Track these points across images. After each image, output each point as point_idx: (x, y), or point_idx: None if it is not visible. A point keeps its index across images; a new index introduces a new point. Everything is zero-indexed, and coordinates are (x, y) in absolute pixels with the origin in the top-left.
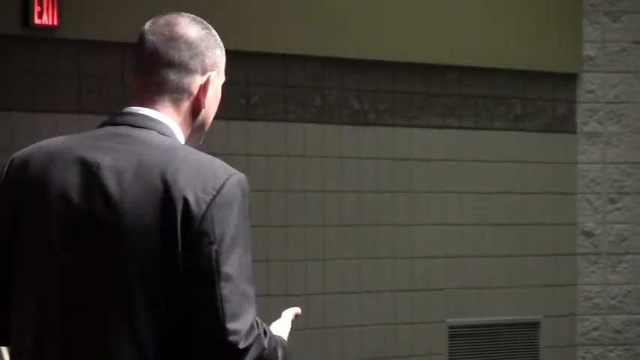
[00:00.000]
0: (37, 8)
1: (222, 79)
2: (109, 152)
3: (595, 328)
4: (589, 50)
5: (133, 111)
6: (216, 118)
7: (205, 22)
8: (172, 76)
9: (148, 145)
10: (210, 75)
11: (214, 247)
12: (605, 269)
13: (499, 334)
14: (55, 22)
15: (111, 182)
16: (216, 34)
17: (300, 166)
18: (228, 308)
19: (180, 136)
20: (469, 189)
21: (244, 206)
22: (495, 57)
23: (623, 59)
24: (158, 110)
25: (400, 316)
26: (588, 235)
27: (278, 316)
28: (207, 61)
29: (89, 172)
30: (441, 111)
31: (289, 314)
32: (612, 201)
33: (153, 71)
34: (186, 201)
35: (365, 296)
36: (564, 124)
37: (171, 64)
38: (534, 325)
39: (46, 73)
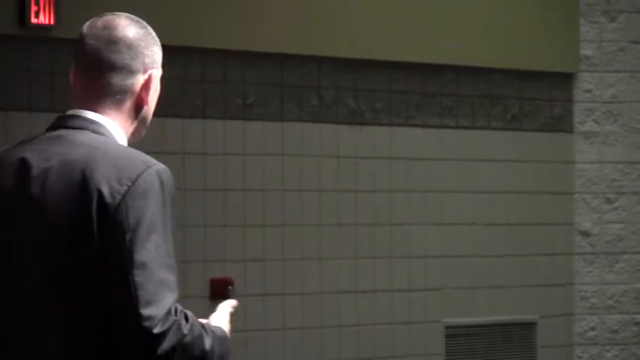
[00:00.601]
0: (33, 8)
1: (160, 73)
2: (40, 153)
3: (592, 328)
4: (586, 50)
5: (73, 113)
6: (212, 117)
7: (142, 21)
8: (115, 79)
9: (76, 144)
10: (152, 73)
11: (128, 236)
12: (601, 269)
13: (496, 333)
14: (52, 22)
15: (37, 181)
16: (152, 31)
17: (296, 165)
18: (143, 295)
19: (119, 134)
20: (466, 188)
21: (163, 196)
22: (492, 56)
23: (620, 59)
24: (99, 112)
25: (397, 316)
26: (585, 234)
27: (274, 315)
28: (147, 60)
29: (22, 172)
30: (437, 110)
31: (226, 306)
32: (609, 201)
33: (95, 76)
34: (100, 192)
35: (362, 296)
36: (561, 123)
37: (114, 68)
38: (531, 325)
39: (43, 72)
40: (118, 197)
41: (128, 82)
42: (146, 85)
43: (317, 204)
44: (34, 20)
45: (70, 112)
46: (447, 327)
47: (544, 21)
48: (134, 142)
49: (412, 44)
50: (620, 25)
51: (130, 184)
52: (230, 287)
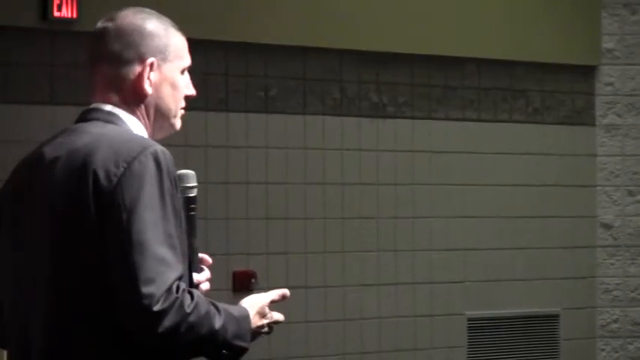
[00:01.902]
0: (56, 1)
1: (177, 64)
2: (55, 145)
3: (614, 321)
4: (607, 43)
5: (90, 107)
6: (234, 111)
7: (151, 12)
8: (108, 69)
9: (84, 132)
10: (152, 62)
11: (125, 216)
12: (624, 261)
13: (518, 326)
14: (75, 15)
15: (46, 171)
16: (160, 21)
17: (318, 159)
18: (142, 273)
19: (130, 120)
20: (488, 181)
21: (160, 177)
22: (514, 49)
23: None
24: (105, 101)
25: (419, 309)
26: (607, 227)
27: (297, 308)
28: (144, 49)
29: (38, 165)
30: (459, 104)
31: (275, 292)
32: (631, 193)
33: (94, 68)
34: (97, 175)
35: (384, 288)
36: (583, 116)
37: (105, 58)
38: (554, 318)
39: (65, 66)
40: (115, 179)
41: (122, 71)
42: (142, 74)
43: (339, 197)
44: (56, 14)
45: (91, 105)
46: (469, 320)
47: (566, 14)
48: (169, 136)
49: (434, 37)
50: None
51: (125, 165)
52: (253, 280)
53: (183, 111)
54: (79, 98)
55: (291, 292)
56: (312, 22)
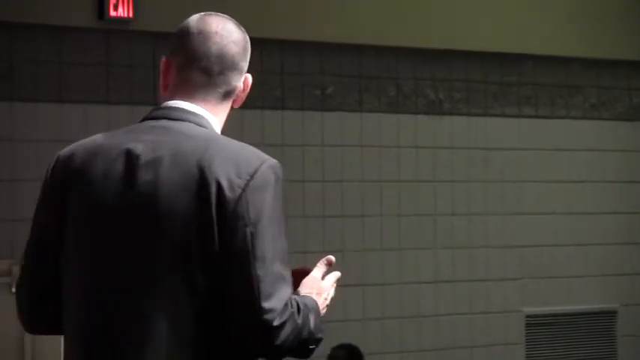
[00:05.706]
0: (112, 1)
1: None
2: (149, 143)
3: None
4: None
5: (171, 105)
6: (291, 109)
7: (235, 21)
8: (202, 75)
9: (185, 135)
10: (248, 79)
11: (249, 230)
12: None
13: (576, 323)
14: (131, 15)
15: (148, 171)
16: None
17: (375, 156)
18: (263, 288)
19: (216, 126)
20: (544, 178)
21: (278, 191)
22: (570, 46)
23: None
24: (195, 103)
25: (476, 306)
26: None
27: (354, 305)
28: (245, 65)
29: (130, 162)
30: (516, 100)
31: (332, 278)
32: None
33: (185, 68)
34: (220, 185)
35: (441, 286)
36: None
37: (201, 64)
38: (612, 314)
39: (121, 65)
40: (238, 191)
41: (234, 80)
42: (243, 91)
43: (396, 194)
44: (112, 13)
45: (166, 103)
46: (527, 316)
47: (621, 10)
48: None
49: (490, 34)
50: None
51: (248, 177)
52: None
53: None
54: (134, 97)
55: (348, 290)
56: (367, 19)
